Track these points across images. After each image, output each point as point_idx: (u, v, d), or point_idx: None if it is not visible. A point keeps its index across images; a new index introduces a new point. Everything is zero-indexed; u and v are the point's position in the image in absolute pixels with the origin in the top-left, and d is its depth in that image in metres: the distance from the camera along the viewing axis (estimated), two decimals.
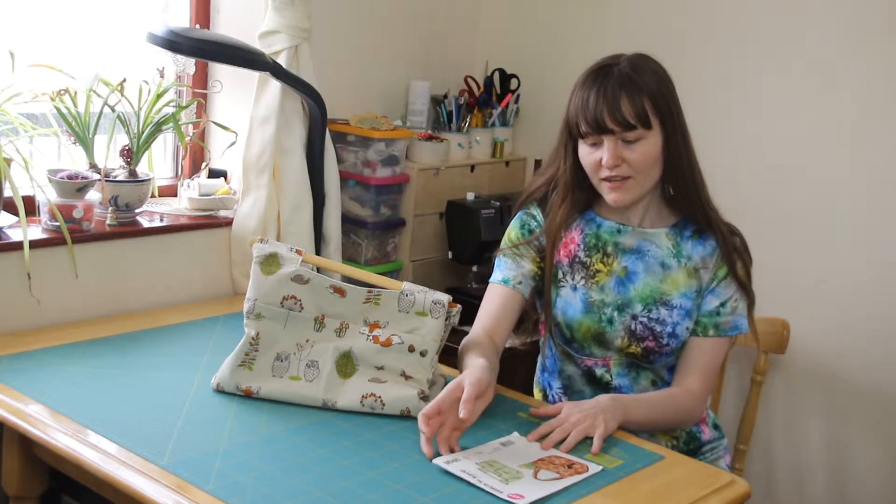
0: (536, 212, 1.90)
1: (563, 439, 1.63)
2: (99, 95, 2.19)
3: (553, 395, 1.95)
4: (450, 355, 1.86)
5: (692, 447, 1.88)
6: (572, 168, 1.82)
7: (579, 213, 1.88)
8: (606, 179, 1.76)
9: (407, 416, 1.70)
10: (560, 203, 1.86)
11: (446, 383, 1.83)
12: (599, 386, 1.87)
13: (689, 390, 1.80)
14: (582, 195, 1.85)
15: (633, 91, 1.72)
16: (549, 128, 1.90)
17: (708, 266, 1.82)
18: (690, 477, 1.60)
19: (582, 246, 1.86)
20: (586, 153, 1.78)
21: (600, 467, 1.56)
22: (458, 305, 1.76)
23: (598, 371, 1.86)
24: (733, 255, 1.82)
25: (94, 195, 2.15)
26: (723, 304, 1.81)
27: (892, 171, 2.30)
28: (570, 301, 1.85)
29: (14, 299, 2.02)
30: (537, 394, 2.01)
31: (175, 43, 2.15)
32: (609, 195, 1.78)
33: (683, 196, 1.81)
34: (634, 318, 1.81)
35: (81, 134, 2.18)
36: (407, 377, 1.73)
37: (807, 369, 2.46)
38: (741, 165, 2.52)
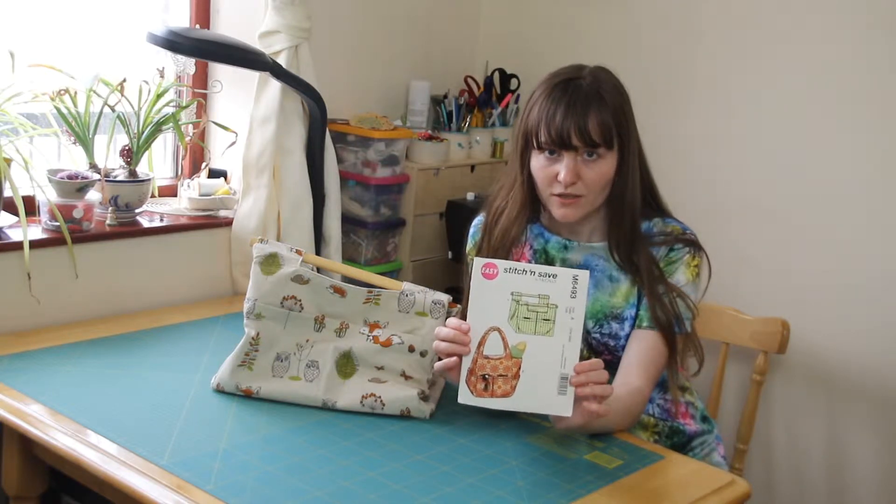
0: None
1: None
2: (99, 95, 2.19)
3: None
4: None
5: (677, 441, 1.85)
6: (529, 179, 1.78)
7: (528, 224, 1.85)
8: (559, 195, 1.73)
9: (407, 416, 1.70)
10: (517, 213, 1.82)
11: (446, 383, 1.84)
12: None
13: (633, 388, 1.70)
14: (533, 208, 1.83)
15: (601, 109, 1.69)
16: None
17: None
18: (690, 477, 1.60)
19: (532, 262, 1.84)
20: (541, 165, 1.74)
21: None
22: (458, 306, 1.76)
23: None
24: (653, 284, 1.74)
25: (94, 195, 2.15)
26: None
27: (892, 170, 2.30)
28: None
29: (14, 299, 2.02)
30: None
31: (175, 43, 2.15)
32: (558, 210, 1.75)
33: (616, 219, 1.77)
34: (588, 332, 1.79)
35: (81, 134, 2.18)
36: (407, 377, 1.72)
37: (807, 369, 2.46)
38: (741, 165, 2.52)
